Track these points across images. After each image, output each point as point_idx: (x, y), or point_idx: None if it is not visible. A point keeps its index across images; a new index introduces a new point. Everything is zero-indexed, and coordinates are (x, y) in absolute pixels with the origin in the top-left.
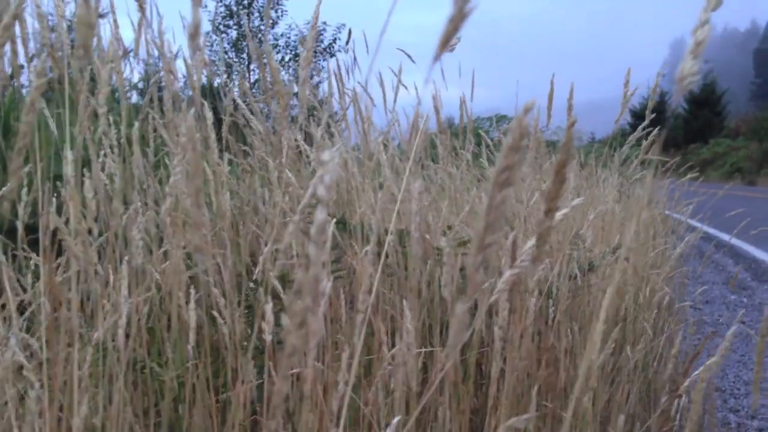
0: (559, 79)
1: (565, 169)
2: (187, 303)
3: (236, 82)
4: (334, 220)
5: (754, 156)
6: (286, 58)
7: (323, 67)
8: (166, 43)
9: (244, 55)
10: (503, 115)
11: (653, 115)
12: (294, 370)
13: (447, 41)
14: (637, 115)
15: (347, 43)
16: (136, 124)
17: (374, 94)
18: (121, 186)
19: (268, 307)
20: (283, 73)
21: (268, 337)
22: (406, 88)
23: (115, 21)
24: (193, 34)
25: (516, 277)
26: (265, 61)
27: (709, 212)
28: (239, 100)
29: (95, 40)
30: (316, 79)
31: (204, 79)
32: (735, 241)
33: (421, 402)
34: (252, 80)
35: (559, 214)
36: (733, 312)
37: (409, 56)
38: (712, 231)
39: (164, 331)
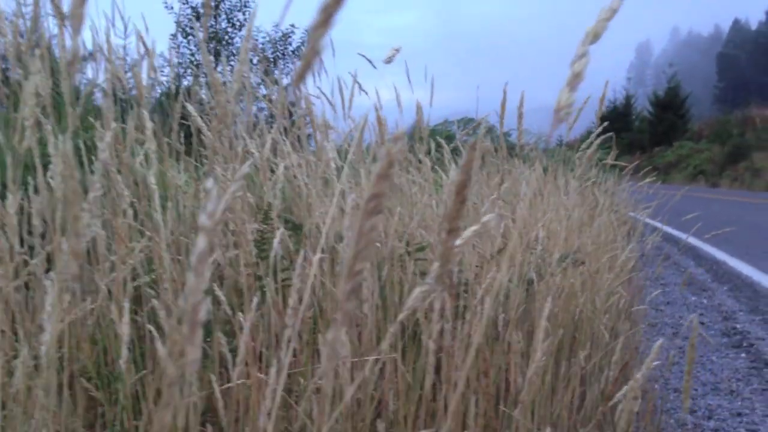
0: (535, 83)
1: (465, 190)
2: (121, 316)
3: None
4: (281, 229)
5: (716, 159)
6: (254, 61)
7: (292, 70)
8: (125, 48)
9: (211, 57)
10: (470, 118)
11: (605, 123)
12: (238, 381)
13: (302, 76)
14: (604, 118)
15: (295, 51)
16: (60, 138)
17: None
18: (44, 201)
19: None
20: (251, 75)
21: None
22: (366, 93)
23: (61, 26)
24: (72, 61)
25: (426, 294)
26: (232, 61)
27: (668, 215)
28: (190, 107)
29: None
30: (285, 81)
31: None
32: (697, 243)
33: (332, 415)
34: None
35: (468, 231)
36: (693, 313)
37: (369, 61)
38: (676, 233)
39: (109, 343)
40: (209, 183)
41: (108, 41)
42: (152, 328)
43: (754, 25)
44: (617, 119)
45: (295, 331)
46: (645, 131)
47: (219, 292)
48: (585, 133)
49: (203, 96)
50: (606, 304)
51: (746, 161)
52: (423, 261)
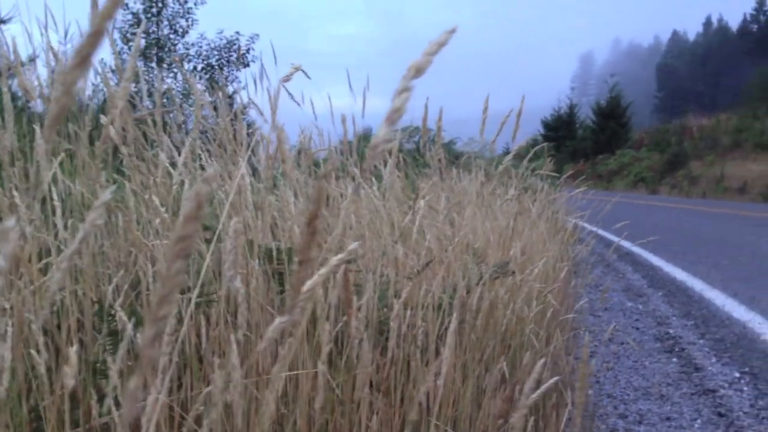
0: (474, 90)
1: (316, 221)
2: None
3: (145, 92)
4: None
5: (656, 166)
6: (198, 68)
7: (236, 77)
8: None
9: (153, 64)
10: (416, 127)
11: (521, 143)
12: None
13: (56, 121)
14: (550, 127)
15: (238, 59)
16: None
17: (285, 107)
18: None
19: (72, 350)
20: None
21: (69, 382)
22: (298, 104)
23: None
24: None
25: (286, 325)
26: (175, 70)
27: (610, 222)
28: (103, 118)
29: None
30: (231, 88)
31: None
32: (635, 249)
33: None
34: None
35: (334, 260)
36: (629, 318)
37: (304, 72)
38: (616, 239)
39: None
40: (10, 223)
41: (15, 51)
42: (34, 353)
43: (692, 37)
44: (562, 128)
45: (171, 357)
46: (588, 139)
47: (121, 312)
48: (531, 141)
49: (148, 104)
50: (531, 314)
51: (684, 169)
52: (355, 272)
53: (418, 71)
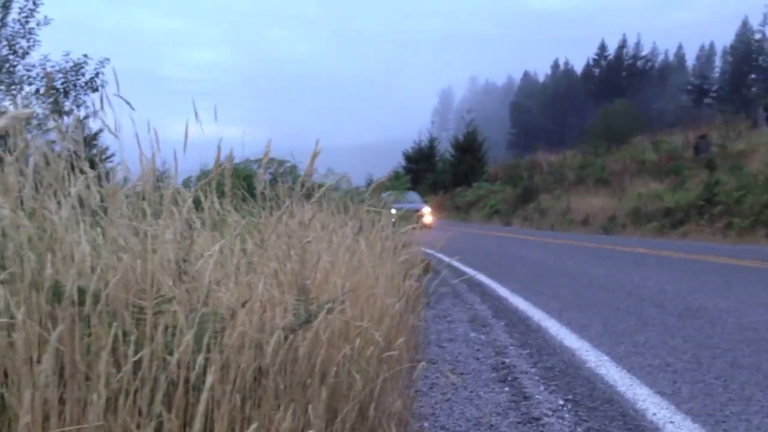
0: (337, 121)
1: None
2: None
3: None
4: None
5: (509, 199)
6: (41, 90)
7: (85, 102)
8: None
9: None
10: (271, 158)
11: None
12: None
13: None
14: (411, 159)
15: (50, 87)
16: None
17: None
18: None
19: None
20: (35, 106)
21: None
22: (116, 136)
23: None
24: None
25: None
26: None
27: (465, 254)
28: None
29: None
30: (78, 112)
31: None
32: (484, 280)
33: None
34: None
35: None
36: (471, 348)
37: (128, 103)
38: (468, 270)
39: None
40: None
41: None
42: None
43: (541, 78)
44: (423, 160)
45: None
46: (447, 172)
47: None
48: (393, 173)
49: None
50: (348, 352)
51: (534, 202)
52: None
53: None
